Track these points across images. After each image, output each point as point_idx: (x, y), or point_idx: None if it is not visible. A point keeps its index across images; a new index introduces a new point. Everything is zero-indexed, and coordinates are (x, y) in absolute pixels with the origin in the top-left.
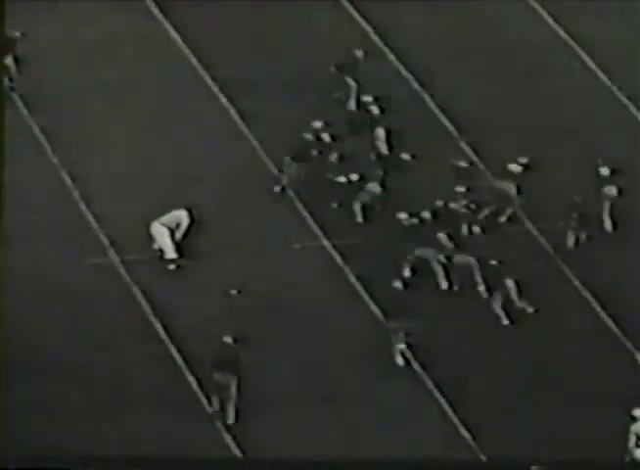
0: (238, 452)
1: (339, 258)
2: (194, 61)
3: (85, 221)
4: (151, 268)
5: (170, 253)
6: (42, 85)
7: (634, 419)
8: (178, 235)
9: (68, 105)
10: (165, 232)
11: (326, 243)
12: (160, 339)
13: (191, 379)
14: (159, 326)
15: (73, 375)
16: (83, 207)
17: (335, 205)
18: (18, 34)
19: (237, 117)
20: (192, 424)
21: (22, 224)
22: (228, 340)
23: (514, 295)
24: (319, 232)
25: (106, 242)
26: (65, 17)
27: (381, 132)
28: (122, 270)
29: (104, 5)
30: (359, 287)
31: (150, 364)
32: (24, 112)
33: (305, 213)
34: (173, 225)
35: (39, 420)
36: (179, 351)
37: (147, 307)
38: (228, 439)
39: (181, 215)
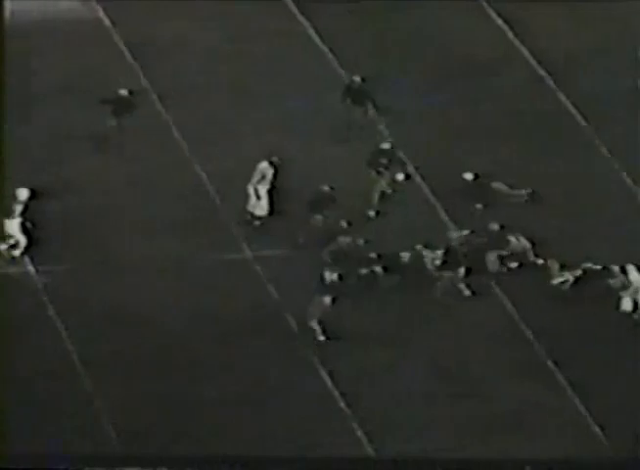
0: (370, 450)
1: None
2: (330, 57)
3: (220, 217)
4: (282, 263)
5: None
6: (176, 82)
7: None
8: (267, 185)
9: (203, 101)
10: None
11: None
12: (292, 333)
13: (324, 375)
14: (291, 320)
15: (205, 370)
16: (218, 202)
17: None
18: (125, 92)
19: (373, 113)
20: (323, 420)
21: (156, 220)
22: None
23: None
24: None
25: (240, 237)
26: (196, 13)
27: None
28: (257, 266)
29: (235, 1)
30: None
31: (281, 359)
32: (160, 108)
33: None
34: (259, 179)
35: (170, 414)
36: (310, 346)
37: (279, 302)
38: (362, 437)
39: (264, 167)
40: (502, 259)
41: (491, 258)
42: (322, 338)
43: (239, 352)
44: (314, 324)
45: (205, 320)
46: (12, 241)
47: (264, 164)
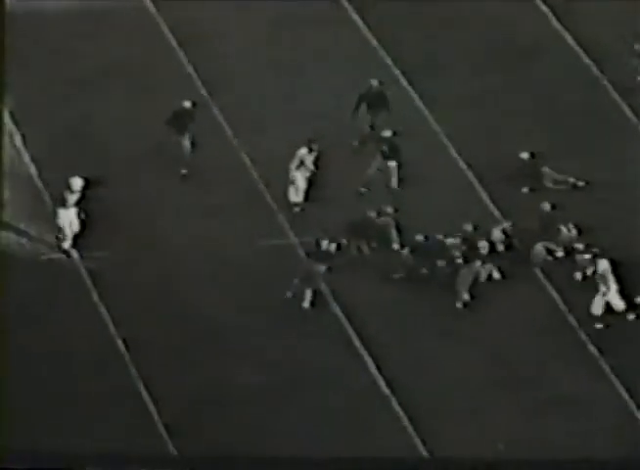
0: (423, 451)
1: None
2: (375, 43)
3: (264, 203)
4: (328, 251)
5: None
6: (221, 66)
7: None
8: (306, 172)
9: (247, 86)
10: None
11: None
12: (339, 321)
13: (368, 360)
14: (336, 308)
15: (246, 357)
16: (262, 187)
17: None
18: (189, 105)
19: (417, 98)
20: (368, 409)
21: (200, 205)
22: None
23: None
24: None
25: (285, 224)
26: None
27: None
28: (300, 251)
29: None
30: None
31: (326, 344)
32: (204, 93)
33: None
34: (298, 165)
35: (215, 402)
36: (356, 332)
37: (326, 289)
38: (408, 426)
39: (302, 154)
40: (549, 251)
41: (539, 248)
42: (306, 305)
43: (282, 339)
44: (305, 290)
45: (250, 306)
46: (60, 234)
47: (303, 151)
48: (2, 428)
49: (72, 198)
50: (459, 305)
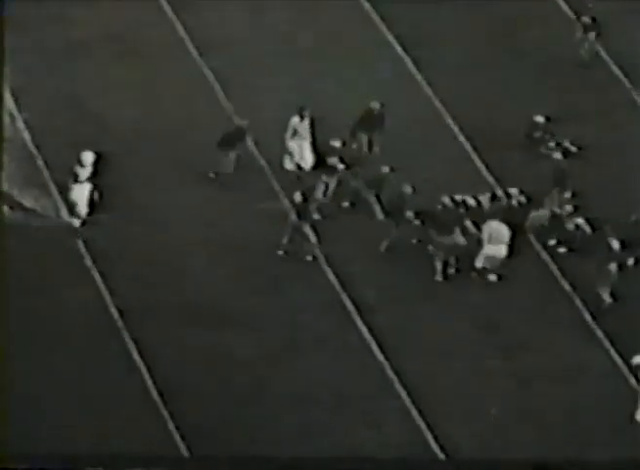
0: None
1: None
2: (367, 6)
3: (257, 166)
4: (322, 214)
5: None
6: (213, 29)
7: None
8: (301, 142)
9: (239, 48)
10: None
11: None
12: (331, 285)
13: (361, 325)
14: (329, 272)
15: (243, 323)
16: (255, 151)
17: None
18: (245, 123)
19: (412, 67)
20: (362, 372)
21: (193, 169)
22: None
23: None
24: None
25: (277, 187)
26: None
27: None
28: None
29: None
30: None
31: (320, 311)
32: (196, 55)
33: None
34: (292, 134)
35: (212, 370)
36: (350, 297)
37: (319, 254)
38: (402, 391)
39: (295, 123)
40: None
41: (533, 216)
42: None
43: (278, 304)
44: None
45: (246, 271)
46: (79, 209)
47: (295, 120)
48: (2, 427)
49: (84, 173)
50: (438, 277)
